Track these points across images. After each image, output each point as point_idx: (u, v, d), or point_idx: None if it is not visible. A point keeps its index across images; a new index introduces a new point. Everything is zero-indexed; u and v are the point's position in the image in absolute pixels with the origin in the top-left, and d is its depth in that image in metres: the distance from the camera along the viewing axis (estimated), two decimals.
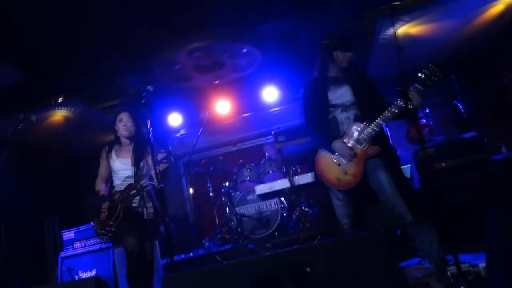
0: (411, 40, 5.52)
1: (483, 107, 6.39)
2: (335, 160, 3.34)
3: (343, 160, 3.31)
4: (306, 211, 5.51)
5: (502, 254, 2.14)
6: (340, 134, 3.36)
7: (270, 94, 6.73)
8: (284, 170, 5.61)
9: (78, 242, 5.61)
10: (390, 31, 5.36)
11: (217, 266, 2.31)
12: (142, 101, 3.37)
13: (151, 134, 3.37)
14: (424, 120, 6.21)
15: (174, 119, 7.06)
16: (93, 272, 5.42)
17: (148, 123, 3.39)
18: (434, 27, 5.45)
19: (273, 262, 1.98)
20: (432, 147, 5.02)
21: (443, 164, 4.79)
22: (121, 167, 3.91)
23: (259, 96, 6.80)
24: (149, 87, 3.50)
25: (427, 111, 6.21)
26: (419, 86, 3.15)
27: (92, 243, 5.58)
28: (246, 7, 4.83)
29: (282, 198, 5.60)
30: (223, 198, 5.82)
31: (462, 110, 6.16)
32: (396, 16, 3.15)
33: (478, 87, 6.49)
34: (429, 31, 5.49)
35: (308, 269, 1.82)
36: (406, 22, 5.12)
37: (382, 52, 5.89)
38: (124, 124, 3.92)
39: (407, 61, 6.21)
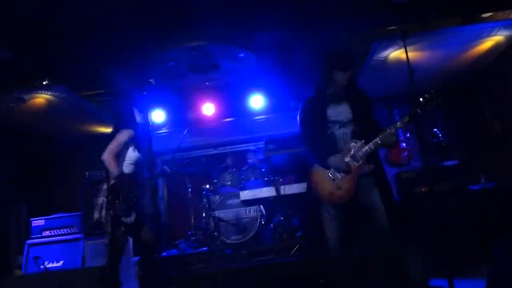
0: (401, 65, 5.65)
1: (463, 137, 6.60)
2: (330, 175, 3.39)
3: (337, 175, 3.37)
4: (284, 222, 5.52)
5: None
6: (337, 150, 3.42)
7: (258, 101, 6.67)
8: (270, 178, 5.61)
9: (47, 231, 5.42)
10: (384, 53, 5.50)
11: (225, 270, 2.28)
12: (144, 93, 3.36)
13: (151, 127, 3.34)
14: (404, 144, 6.37)
15: (157, 116, 6.92)
16: (60, 263, 5.26)
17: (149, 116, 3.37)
18: (424, 55, 5.60)
19: (287, 270, 1.97)
20: (413, 171, 5.15)
21: (423, 189, 4.93)
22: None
23: (246, 102, 6.74)
24: (151, 80, 3.50)
25: (408, 135, 6.38)
26: (418, 110, 3.27)
27: (62, 233, 5.41)
28: (243, 14, 4.84)
29: (262, 206, 5.59)
30: (203, 200, 5.76)
31: (441, 139, 6.35)
32: (406, 38, 3.23)
33: (458, 117, 6.70)
34: (419, 58, 5.64)
35: (321, 281, 1.83)
36: (401, 47, 5.25)
37: (370, 74, 6.00)
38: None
39: (393, 84, 6.34)
